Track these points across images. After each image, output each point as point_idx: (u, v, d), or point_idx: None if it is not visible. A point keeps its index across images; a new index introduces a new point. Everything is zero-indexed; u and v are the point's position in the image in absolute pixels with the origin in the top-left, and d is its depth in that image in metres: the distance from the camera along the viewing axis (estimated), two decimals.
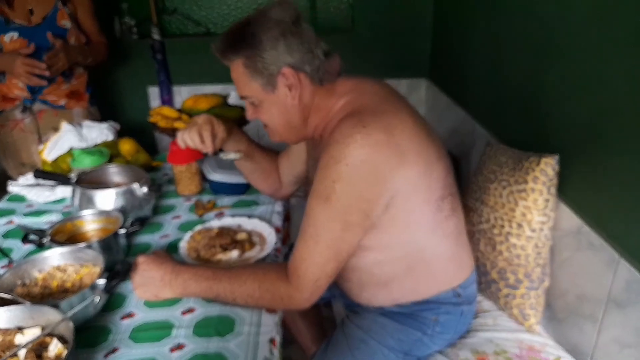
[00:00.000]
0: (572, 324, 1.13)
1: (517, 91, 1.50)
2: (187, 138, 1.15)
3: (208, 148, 1.16)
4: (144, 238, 1.23)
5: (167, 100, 2.60)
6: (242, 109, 1.73)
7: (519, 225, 1.13)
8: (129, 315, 0.95)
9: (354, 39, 2.71)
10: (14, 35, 1.71)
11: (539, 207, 1.10)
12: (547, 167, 1.09)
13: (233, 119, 1.63)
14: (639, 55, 0.92)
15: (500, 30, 1.63)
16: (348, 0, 2.67)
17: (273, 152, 1.36)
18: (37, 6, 1.76)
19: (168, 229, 1.28)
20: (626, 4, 0.96)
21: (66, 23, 1.81)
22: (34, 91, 1.82)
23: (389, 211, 0.94)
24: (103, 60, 1.98)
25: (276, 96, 0.99)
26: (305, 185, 1.27)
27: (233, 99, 1.87)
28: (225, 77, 2.75)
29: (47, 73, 1.68)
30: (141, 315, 0.95)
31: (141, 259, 0.99)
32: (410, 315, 1.08)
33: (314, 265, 0.93)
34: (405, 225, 0.98)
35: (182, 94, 2.72)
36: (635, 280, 0.93)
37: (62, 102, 1.89)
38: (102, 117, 2.02)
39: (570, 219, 1.12)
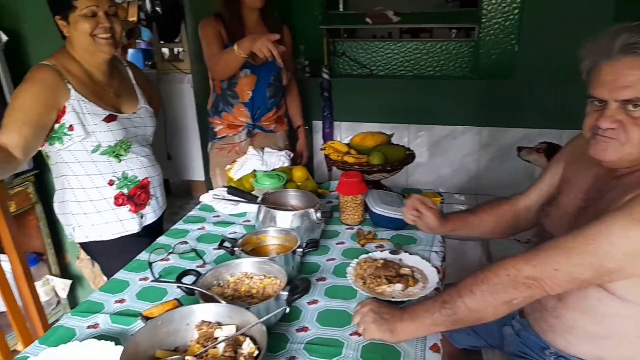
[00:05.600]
0: None
1: None
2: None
3: None
4: (312, 259, 1.34)
5: (328, 133, 2.81)
6: (404, 149, 1.80)
7: None
8: (303, 329, 1.04)
9: (512, 85, 2.64)
10: (247, 71, 2.03)
11: None
12: None
13: (397, 158, 1.71)
14: None
15: None
16: (512, 48, 2.62)
17: (487, 209, 1.39)
18: None
19: (333, 253, 1.38)
20: None
21: (281, 63, 2.10)
22: (254, 118, 2.13)
23: None
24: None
25: None
26: (546, 206, 1.25)
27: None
28: (382, 117, 2.90)
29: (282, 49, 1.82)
30: (314, 330, 1.03)
31: (366, 302, 1.04)
32: None
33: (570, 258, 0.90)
34: None
35: (342, 128, 2.91)
36: None
37: (272, 126, 2.20)
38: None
39: None
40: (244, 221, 1.60)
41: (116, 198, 1.55)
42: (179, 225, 1.58)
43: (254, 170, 1.75)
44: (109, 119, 1.48)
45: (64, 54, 1.47)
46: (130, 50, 3.86)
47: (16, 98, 1.36)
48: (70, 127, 1.41)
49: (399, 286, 1.16)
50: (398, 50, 2.88)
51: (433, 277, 1.21)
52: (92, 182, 1.51)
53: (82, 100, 1.43)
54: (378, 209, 1.52)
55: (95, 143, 1.46)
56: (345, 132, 2.95)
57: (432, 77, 2.87)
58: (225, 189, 1.80)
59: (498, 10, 2.58)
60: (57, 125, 1.41)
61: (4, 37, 1.86)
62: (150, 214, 1.66)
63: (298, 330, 1.03)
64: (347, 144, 1.82)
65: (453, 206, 2.88)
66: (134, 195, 1.58)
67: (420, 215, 1.34)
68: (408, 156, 1.75)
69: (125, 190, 1.56)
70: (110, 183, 1.53)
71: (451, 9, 3.58)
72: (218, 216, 1.65)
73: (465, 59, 2.79)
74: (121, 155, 1.52)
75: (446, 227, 1.36)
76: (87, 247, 1.61)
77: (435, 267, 1.26)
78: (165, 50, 3.48)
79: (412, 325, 0.97)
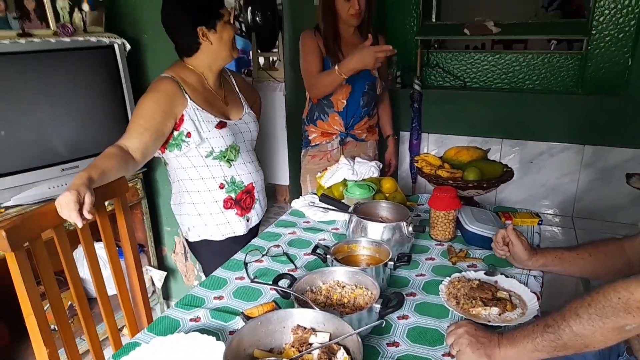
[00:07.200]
0: None
1: None
2: None
3: None
4: (402, 273, 1.33)
5: (415, 145, 2.77)
6: (502, 165, 1.72)
7: None
8: (394, 343, 1.03)
9: (623, 102, 2.44)
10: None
11: None
12: None
13: (493, 174, 1.64)
14: None
15: None
16: (625, 62, 2.42)
17: (590, 247, 1.27)
18: None
19: (423, 269, 1.35)
20: None
21: (375, 73, 2.15)
22: (347, 126, 2.17)
23: None
24: None
25: None
26: None
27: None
28: (472, 130, 2.81)
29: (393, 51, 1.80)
30: (405, 346, 1.02)
31: (461, 323, 1.01)
32: None
33: None
34: None
35: (429, 140, 2.86)
36: None
37: (364, 135, 2.23)
38: None
39: None
40: (333, 229, 1.63)
41: (225, 201, 1.66)
42: (272, 229, 1.64)
43: (345, 179, 1.77)
44: (220, 125, 1.59)
45: (180, 66, 1.60)
46: None
47: (139, 107, 1.50)
48: (188, 134, 1.53)
49: (495, 310, 1.11)
50: (495, 62, 2.76)
51: (533, 305, 1.14)
52: (205, 186, 1.63)
53: (197, 109, 1.55)
54: (472, 227, 1.47)
55: (208, 149, 1.58)
56: (433, 144, 2.89)
57: (530, 91, 2.72)
58: (314, 195, 1.84)
59: (612, 22, 2.39)
60: (176, 133, 1.54)
61: (128, 46, 2.06)
62: (255, 217, 1.76)
63: (389, 344, 1.03)
64: (440, 158, 1.78)
65: (546, 228, 2.71)
66: (240, 200, 1.69)
67: (509, 246, 1.29)
68: (505, 173, 1.68)
69: (233, 195, 1.67)
70: (221, 186, 1.64)
71: (554, 19, 3.38)
72: (308, 222, 1.69)
73: (569, 73, 2.62)
74: (232, 160, 1.63)
75: (536, 261, 1.28)
76: (197, 246, 1.73)
77: (535, 294, 1.19)
78: (261, 59, 3.64)
79: (512, 350, 0.93)
